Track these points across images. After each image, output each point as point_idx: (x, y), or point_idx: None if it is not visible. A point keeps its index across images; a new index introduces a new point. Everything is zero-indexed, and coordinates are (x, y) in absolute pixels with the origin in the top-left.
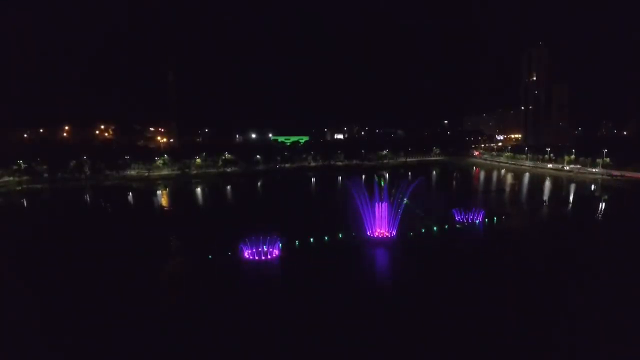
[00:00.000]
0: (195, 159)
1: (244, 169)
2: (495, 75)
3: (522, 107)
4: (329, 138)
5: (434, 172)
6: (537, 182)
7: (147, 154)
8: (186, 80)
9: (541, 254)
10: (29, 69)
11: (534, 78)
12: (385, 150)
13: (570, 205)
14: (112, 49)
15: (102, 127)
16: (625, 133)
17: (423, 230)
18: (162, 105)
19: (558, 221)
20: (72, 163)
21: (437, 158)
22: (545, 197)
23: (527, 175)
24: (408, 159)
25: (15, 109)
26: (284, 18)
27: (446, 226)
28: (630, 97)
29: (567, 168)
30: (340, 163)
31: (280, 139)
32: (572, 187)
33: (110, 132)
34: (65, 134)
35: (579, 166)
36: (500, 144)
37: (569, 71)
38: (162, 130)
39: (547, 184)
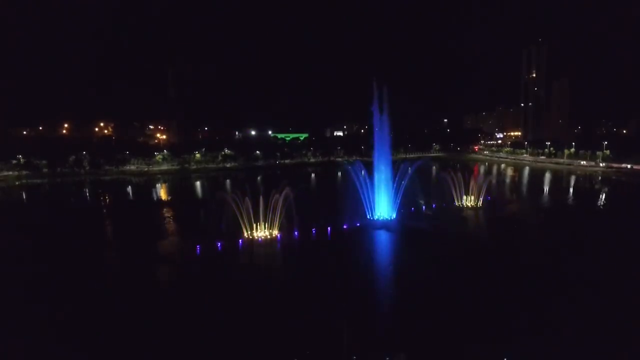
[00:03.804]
0: (195, 154)
1: (243, 165)
2: (495, 73)
3: (522, 104)
4: (328, 135)
5: (433, 167)
6: (535, 175)
7: (147, 150)
8: (186, 78)
9: (534, 236)
10: (29, 66)
11: (534, 75)
12: None
13: (570, 196)
14: (113, 46)
15: (102, 124)
16: (625, 132)
17: (423, 214)
18: (162, 102)
19: (553, 209)
20: (72, 158)
21: (437, 154)
22: (544, 187)
23: (526, 168)
24: (408, 155)
25: (16, 105)
26: (285, 18)
27: (445, 208)
28: (631, 96)
29: (567, 161)
30: (340, 159)
31: (280, 136)
32: (572, 179)
33: (110, 129)
34: (64, 131)
35: (579, 161)
36: (500, 141)
37: (568, 69)
38: (162, 127)
39: (547, 176)
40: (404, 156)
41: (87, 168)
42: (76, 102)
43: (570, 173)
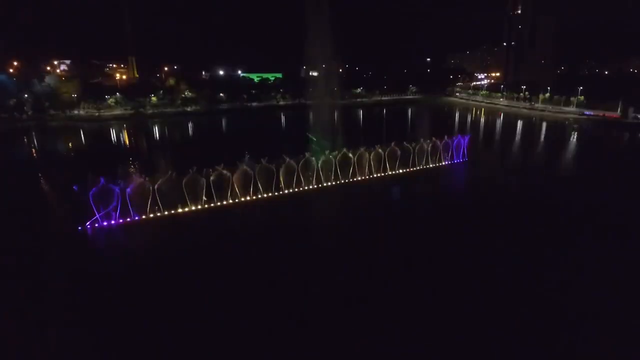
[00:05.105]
0: (151, 97)
1: (205, 108)
2: (481, 9)
3: (505, 43)
4: (303, 75)
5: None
6: (507, 123)
7: (99, 92)
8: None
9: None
10: None
11: (519, 12)
12: (360, 88)
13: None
14: None
15: (55, 62)
16: (606, 72)
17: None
18: (120, 37)
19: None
20: (12, 101)
21: (413, 97)
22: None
23: (497, 115)
24: (383, 98)
25: None
26: None
27: None
28: (612, 35)
29: (542, 107)
30: (311, 102)
31: (252, 76)
32: (543, 127)
33: (63, 70)
34: (12, 69)
35: (557, 107)
36: (484, 82)
37: (554, 5)
38: (123, 66)
39: (518, 125)
40: (379, 98)
41: (30, 113)
42: (28, 39)
43: (541, 120)
